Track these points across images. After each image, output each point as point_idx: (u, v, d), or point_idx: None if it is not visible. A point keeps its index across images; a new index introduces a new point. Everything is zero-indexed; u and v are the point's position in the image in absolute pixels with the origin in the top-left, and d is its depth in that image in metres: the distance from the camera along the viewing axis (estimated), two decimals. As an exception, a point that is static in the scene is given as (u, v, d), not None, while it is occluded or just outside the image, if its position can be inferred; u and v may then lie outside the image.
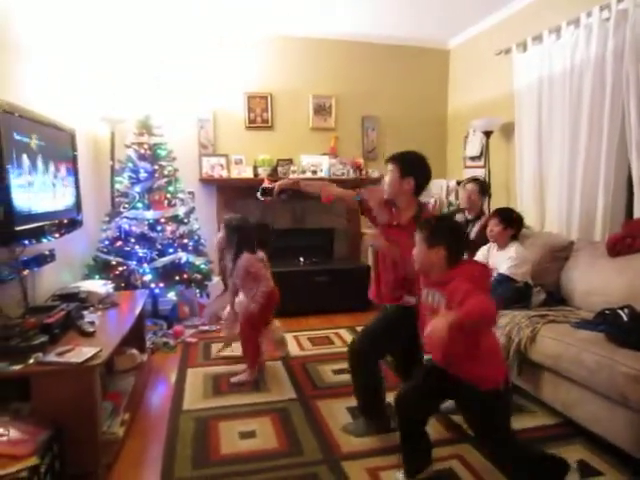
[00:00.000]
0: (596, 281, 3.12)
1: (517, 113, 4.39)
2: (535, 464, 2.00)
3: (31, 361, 2.12)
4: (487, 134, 4.68)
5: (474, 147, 5.16)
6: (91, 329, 2.56)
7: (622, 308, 2.57)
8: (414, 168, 2.53)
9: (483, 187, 4.08)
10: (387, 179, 2.58)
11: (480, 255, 3.47)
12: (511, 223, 3.34)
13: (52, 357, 2.17)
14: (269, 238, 3.46)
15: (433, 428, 2.61)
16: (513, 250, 3.27)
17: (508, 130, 4.63)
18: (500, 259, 3.28)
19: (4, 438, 1.85)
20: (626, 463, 2.26)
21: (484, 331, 1.99)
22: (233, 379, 3.29)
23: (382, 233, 2.57)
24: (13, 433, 1.88)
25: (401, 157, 2.56)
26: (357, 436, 2.59)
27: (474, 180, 4.12)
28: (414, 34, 5.37)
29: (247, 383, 3.25)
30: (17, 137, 2.37)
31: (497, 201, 4.58)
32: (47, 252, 2.96)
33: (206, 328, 4.38)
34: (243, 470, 2.28)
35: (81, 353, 2.21)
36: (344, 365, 3.52)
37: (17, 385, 2.17)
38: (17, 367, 2.08)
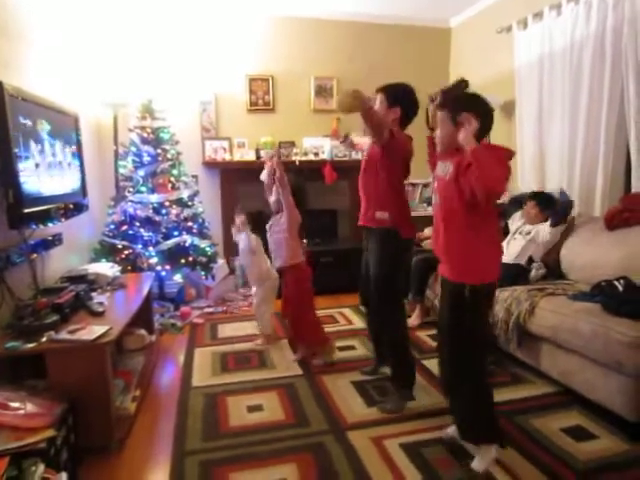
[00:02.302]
0: (594, 255, 3.17)
1: (518, 91, 4.39)
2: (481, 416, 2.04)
3: (44, 339, 2.20)
4: (488, 112, 4.68)
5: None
6: (100, 309, 2.63)
7: (618, 279, 2.63)
8: (400, 97, 2.57)
9: None
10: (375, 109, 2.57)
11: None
12: (547, 205, 3.47)
13: (64, 335, 2.25)
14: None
15: (432, 396, 2.72)
16: (556, 230, 3.40)
17: (509, 108, 4.63)
18: (540, 227, 3.44)
19: (21, 412, 1.91)
20: (621, 427, 2.34)
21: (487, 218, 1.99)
22: (315, 361, 3.27)
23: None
24: (30, 407, 1.94)
25: (389, 87, 2.62)
26: (399, 412, 2.56)
27: None
28: (415, 13, 5.35)
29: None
30: (23, 121, 2.41)
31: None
32: (54, 236, 3.01)
33: (212, 310, 4.45)
34: (252, 441, 2.36)
35: (92, 331, 2.28)
36: (349, 342, 3.62)
37: (31, 363, 2.25)
38: (31, 345, 2.15)
